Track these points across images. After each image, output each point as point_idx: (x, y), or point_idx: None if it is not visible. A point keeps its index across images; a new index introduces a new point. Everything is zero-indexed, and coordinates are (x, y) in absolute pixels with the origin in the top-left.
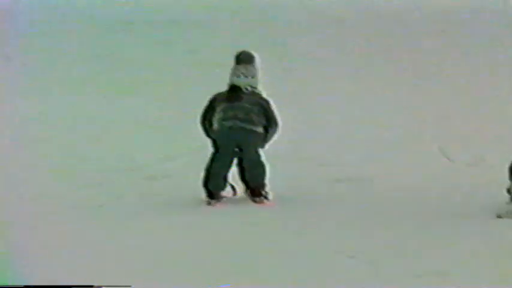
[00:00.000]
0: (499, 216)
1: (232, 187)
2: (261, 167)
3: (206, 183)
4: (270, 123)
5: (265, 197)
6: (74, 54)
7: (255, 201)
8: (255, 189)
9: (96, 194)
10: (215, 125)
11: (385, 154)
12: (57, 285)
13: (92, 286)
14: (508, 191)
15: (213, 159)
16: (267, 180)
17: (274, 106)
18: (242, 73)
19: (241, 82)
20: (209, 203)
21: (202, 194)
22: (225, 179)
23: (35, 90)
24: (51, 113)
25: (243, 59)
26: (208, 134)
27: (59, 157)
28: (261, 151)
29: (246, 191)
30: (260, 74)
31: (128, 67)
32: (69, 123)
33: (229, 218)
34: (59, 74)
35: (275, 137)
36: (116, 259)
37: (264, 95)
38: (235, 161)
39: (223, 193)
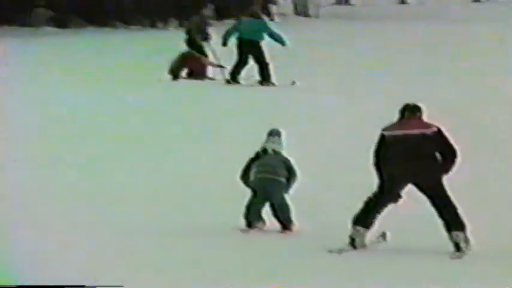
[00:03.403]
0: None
1: (263, 221)
2: (286, 207)
3: (246, 215)
4: (291, 175)
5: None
6: None
7: (285, 232)
8: (286, 224)
9: None
10: (252, 177)
11: None
12: (57, 285)
13: (83, 286)
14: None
15: (251, 198)
16: (293, 217)
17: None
18: (272, 142)
19: (269, 147)
20: (246, 231)
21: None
22: (259, 213)
23: None
24: None
25: (274, 133)
26: (247, 185)
27: None
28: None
29: (281, 227)
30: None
31: None
32: None
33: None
34: None
35: (295, 185)
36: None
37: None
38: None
39: (257, 224)
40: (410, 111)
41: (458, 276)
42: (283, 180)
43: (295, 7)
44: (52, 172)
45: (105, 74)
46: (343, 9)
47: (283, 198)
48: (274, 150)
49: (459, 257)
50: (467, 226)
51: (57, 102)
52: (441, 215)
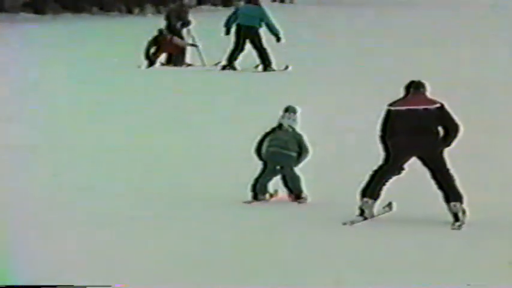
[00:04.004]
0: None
1: (276, 191)
2: (297, 178)
3: (254, 187)
4: (302, 150)
5: (305, 199)
6: None
7: (298, 202)
8: (297, 194)
9: None
10: (263, 150)
11: None
12: (47, 285)
13: (71, 286)
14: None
15: (261, 171)
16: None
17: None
18: (287, 118)
19: (285, 122)
20: (250, 202)
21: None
22: (265, 186)
23: None
24: None
25: (290, 110)
26: (259, 158)
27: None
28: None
29: (290, 195)
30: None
31: None
32: None
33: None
34: None
35: (305, 160)
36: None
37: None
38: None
39: (264, 196)
40: (415, 88)
41: (458, 245)
42: (293, 154)
43: None
44: (32, 165)
45: (82, 60)
46: None
47: (293, 170)
48: (289, 126)
49: (458, 227)
50: (464, 197)
51: (32, 89)
52: (440, 186)
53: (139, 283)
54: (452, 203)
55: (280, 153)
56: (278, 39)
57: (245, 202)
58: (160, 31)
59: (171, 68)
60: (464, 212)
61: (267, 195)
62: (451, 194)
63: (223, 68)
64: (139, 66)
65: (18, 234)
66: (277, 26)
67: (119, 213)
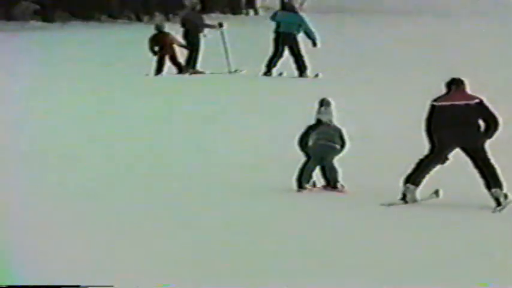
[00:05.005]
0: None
1: (314, 183)
2: (336, 170)
3: (299, 178)
4: (343, 143)
5: (341, 187)
6: None
7: (336, 191)
8: (334, 184)
9: None
10: (310, 143)
11: None
12: (51, 285)
13: (78, 286)
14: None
15: (305, 162)
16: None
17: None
18: (324, 112)
19: (324, 118)
20: (298, 191)
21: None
22: (310, 176)
23: None
24: None
25: (325, 103)
26: (303, 150)
27: None
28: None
29: (327, 186)
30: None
31: None
32: None
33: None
34: None
35: (345, 152)
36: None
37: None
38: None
39: (307, 185)
40: (456, 85)
41: (499, 227)
42: (338, 147)
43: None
44: (36, 168)
45: (91, 68)
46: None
47: (333, 163)
48: (329, 120)
49: (500, 211)
50: (504, 184)
51: (41, 96)
52: (482, 174)
53: (139, 283)
54: (493, 189)
55: (328, 146)
56: (314, 44)
57: (295, 191)
58: (158, 28)
59: (184, 76)
60: (506, 196)
61: (311, 185)
62: (491, 181)
63: (264, 74)
64: (146, 75)
65: (19, 234)
66: (314, 31)
67: (120, 214)
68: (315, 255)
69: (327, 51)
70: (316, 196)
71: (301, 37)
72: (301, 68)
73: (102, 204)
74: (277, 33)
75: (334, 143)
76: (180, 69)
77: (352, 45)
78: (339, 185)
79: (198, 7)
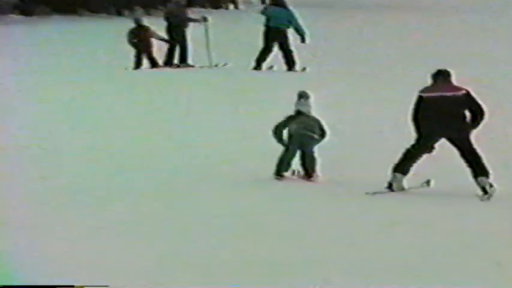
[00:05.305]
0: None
1: (293, 171)
2: (315, 159)
3: (279, 166)
4: (323, 133)
5: (316, 177)
6: None
7: (311, 181)
8: (310, 173)
9: None
10: (292, 132)
11: None
12: (46, 285)
13: (72, 286)
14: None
15: (285, 150)
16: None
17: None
18: (304, 104)
19: (304, 109)
20: (277, 179)
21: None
22: (289, 164)
23: None
24: None
25: (304, 95)
26: (277, 138)
27: None
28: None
29: (305, 175)
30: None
31: None
32: None
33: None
34: None
35: (325, 141)
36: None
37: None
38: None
39: (286, 174)
40: (442, 76)
41: (486, 215)
42: (317, 137)
43: None
44: (17, 162)
45: (71, 62)
46: None
47: (313, 152)
48: (308, 112)
49: (487, 199)
50: (490, 173)
51: (22, 90)
52: (469, 164)
53: (137, 283)
54: (479, 178)
55: (308, 136)
56: (303, 40)
57: (275, 178)
58: (137, 21)
59: (166, 70)
60: (491, 185)
61: (291, 173)
62: (478, 170)
63: (254, 68)
64: (125, 69)
65: (18, 234)
66: (304, 27)
67: (116, 213)
68: (298, 246)
69: (315, 46)
70: (299, 186)
71: (290, 32)
72: (290, 63)
73: (86, 200)
74: (267, 27)
75: (314, 132)
76: (154, 64)
77: (340, 40)
78: (314, 175)
79: (183, 1)
